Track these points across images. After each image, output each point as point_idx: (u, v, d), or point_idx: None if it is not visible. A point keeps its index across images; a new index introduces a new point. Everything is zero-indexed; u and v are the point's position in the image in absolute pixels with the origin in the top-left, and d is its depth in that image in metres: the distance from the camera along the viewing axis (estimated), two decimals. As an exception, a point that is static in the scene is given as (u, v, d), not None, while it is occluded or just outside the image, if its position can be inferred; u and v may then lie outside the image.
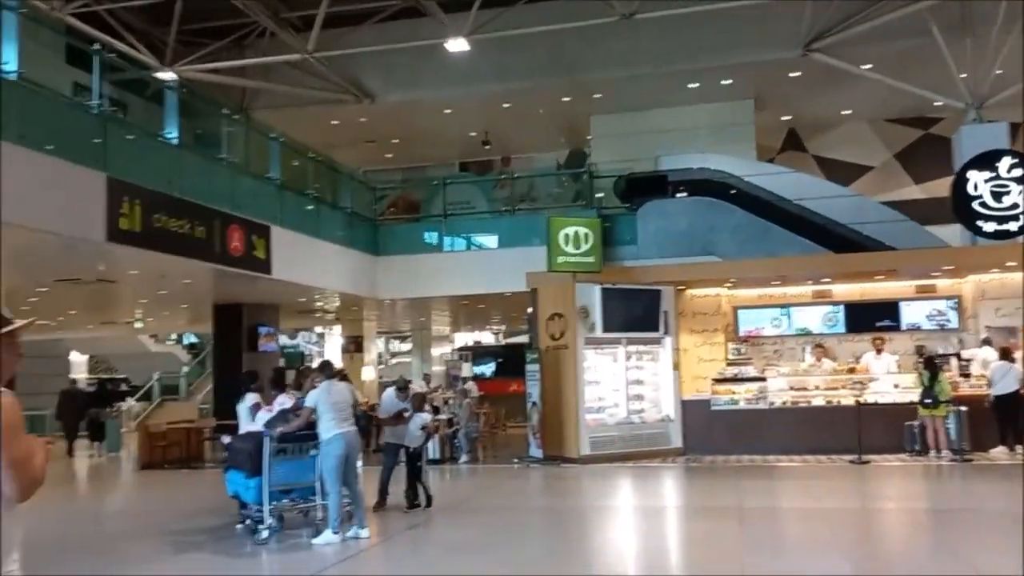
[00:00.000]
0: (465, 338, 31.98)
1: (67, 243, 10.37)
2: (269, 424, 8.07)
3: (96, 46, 11.90)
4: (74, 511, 10.93)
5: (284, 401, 8.19)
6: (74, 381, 23.43)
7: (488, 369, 24.40)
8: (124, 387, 26.30)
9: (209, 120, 15.67)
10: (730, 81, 18.25)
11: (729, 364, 15.06)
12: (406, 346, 33.90)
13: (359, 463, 8.35)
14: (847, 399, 13.56)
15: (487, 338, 33.31)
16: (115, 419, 19.38)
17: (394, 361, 32.22)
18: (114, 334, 25.81)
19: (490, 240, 18.24)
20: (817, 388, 14.25)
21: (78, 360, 26.84)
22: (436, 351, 28.92)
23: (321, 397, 7.87)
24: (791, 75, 17.91)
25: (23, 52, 9.60)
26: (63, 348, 26.91)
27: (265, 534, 7.88)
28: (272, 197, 15.13)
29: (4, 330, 2.70)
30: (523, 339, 30.52)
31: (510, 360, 25.45)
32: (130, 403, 23.83)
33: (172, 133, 12.86)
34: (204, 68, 16.15)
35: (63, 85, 12.81)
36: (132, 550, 8.13)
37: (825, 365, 14.66)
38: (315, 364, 17.47)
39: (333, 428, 7.83)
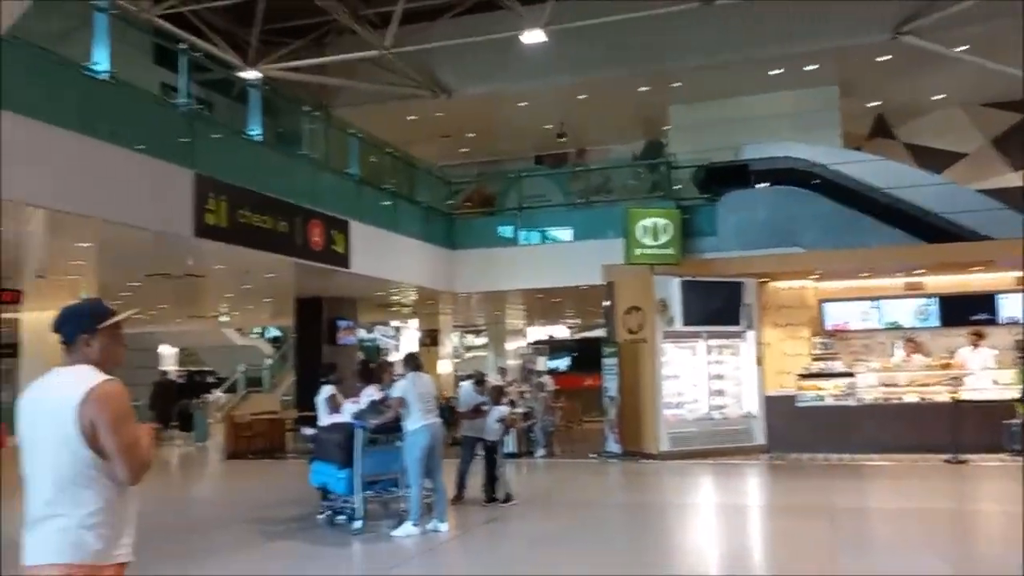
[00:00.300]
0: (538, 332, 31.91)
1: (157, 239, 10.68)
2: (360, 415, 8.09)
3: (182, 46, 12.18)
4: (166, 499, 11.26)
5: (372, 393, 8.23)
6: (165, 373, 24.29)
7: (562, 364, 24.26)
8: (211, 379, 27.15)
9: (290, 118, 15.95)
10: (815, 67, 17.68)
11: (815, 359, 14.58)
12: (480, 340, 34.05)
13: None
14: (941, 396, 12.96)
15: (561, 332, 33.16)
16: (202, 410, 19.97)
17: (469, 355, 32.40)
18: (201, 328, 26.64)
19: (565, 233, 18.08)
20: (909, 384, 13.66)
21: (168, 353, 27.79)
22: (510, 345, 28.94)
23: (408, 388, 7.89)
24: (879, 59, 17.24)
25: (113, 53, 9.90)
26: (154, 341, 27.91)
27: (359, 524, 7.92)
28: (351, 192, 15.32)
29: (111, 320, 2.85)
30: (597, 333, 30.35)
31: (585, 355, 25.25)
32: (217, 394, 24.54)
33: (256, 130, 13.11)
34: (285, 67, 16.45)
35: (151, 85, 13.19)
36: (219, 537, 8.32)
37: (917, 360, 14.04)
38: (392, 358, 17.72)
39: (419, 419, 7.85)
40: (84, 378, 2.70)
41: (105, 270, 14.36)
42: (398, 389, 7.93)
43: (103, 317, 2.85)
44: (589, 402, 17.63)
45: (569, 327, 33.81)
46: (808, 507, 9.29)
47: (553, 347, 26.30)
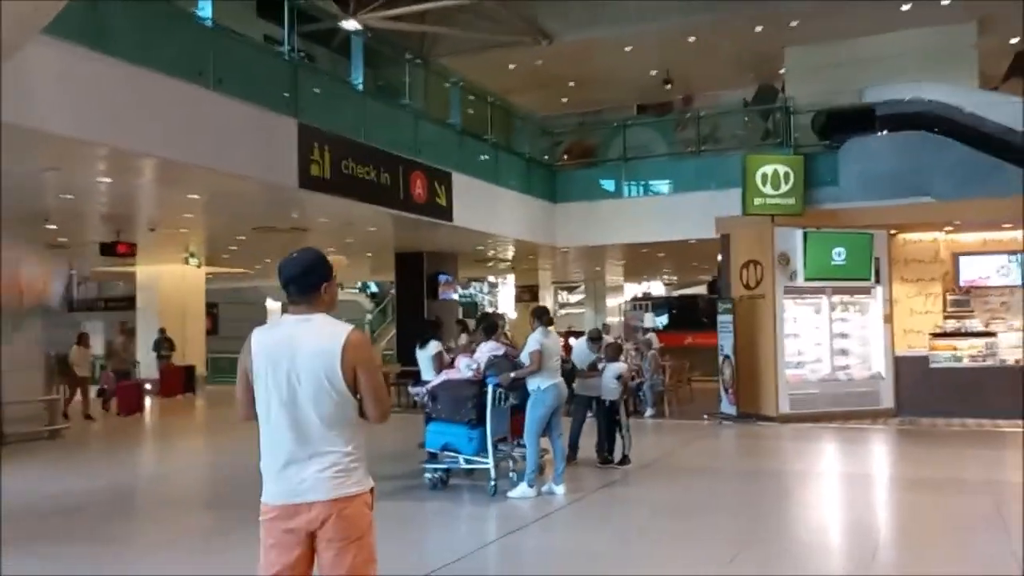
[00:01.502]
0: (635, 289, 31.19)
1: (263, 190, 10.54)
2: (491, 371, 7.61)
3: (286, -4, 11.92)
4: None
5: (495, 348, 7.82)
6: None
7: (660, 321, 23.55)
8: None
9: (391, 69, 15.64)
10: (949, 1, 16.21)
11: (947, 317, 13.58)
12: (575, 297, 33.53)
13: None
14: (1095, 358, 11.82)
15: (657, 289, 32.36)
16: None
17: (562, 312, 31.91)
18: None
19: (671, 184, 17.35)
20: (1057, 345, 12.53)
21: (273, 307, 28.32)
22: (609, 302, 28.34)
23: (543, 343, 7.47)
24: (1025, -11, 15.62)
25: (217, 5, 9.70)
26: (260, 295, 28.49)
27: (492, 485, 7.54)
28: (452, 143, 14.96)
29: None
30: (696, 290, 29.46)
31: (684, 312, 24.54)
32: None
33: (358, 80, 12.84)
34: (386, 15, 16.05)
35: (254, 37, 13.06)
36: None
37: (1065, 319, 12.86)
38: (490, 312, 17.39)
39: (548, 378, 7.45)
40: (335, 325, 2.93)
41: (213, 224, 14.46)
42: (533, 342, 7.49)
43: (331, 266, 3.00)
44: (693, 360, 16.99)
45: (666, 284, 32.96)
46: (941, 478, 8.57)
47: (654, 304, 25.58)
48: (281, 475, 2.87)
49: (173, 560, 5.95)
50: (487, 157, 16.08)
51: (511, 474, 7.88)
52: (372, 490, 2.99)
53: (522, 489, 7.49)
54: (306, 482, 2.84)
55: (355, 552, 2.88)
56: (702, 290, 28.10)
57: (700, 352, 18.14)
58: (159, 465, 10.88)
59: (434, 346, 9.13)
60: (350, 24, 15.92)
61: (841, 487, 8.84)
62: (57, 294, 18.04)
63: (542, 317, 7.76)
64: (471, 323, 13.37)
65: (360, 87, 13.18)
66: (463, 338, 9.69)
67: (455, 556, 5.72)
